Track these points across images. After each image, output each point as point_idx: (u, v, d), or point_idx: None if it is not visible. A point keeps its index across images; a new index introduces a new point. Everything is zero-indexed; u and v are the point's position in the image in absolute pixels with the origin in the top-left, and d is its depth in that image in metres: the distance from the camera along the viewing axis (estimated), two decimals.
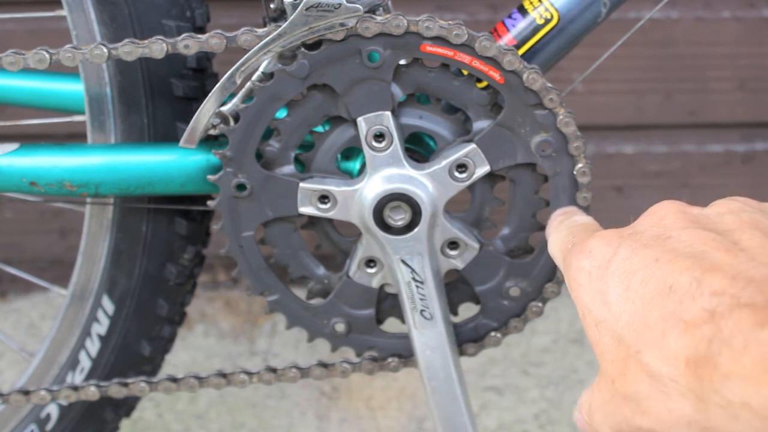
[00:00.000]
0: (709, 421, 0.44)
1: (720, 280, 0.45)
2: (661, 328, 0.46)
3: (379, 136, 0.82)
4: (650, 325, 0.47)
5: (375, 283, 0.89)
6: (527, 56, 0.83)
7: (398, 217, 0.84)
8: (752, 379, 0.42)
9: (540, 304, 0.89)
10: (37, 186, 0.86)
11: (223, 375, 0.92)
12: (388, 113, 0.82)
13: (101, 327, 0.97)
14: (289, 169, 0.85)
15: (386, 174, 0.83)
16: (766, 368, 0.42)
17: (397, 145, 0.82)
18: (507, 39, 0.83)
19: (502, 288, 0.89)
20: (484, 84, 0.82)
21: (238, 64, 0.80)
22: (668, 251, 0.49)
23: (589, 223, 0.69)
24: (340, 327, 0.90)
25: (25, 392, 0.94)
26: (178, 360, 1.48)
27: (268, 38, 0.79)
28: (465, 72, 0.82)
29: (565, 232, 0.65)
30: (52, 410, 1.01)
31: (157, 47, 0.81)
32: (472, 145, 0.83)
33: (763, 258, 0.47)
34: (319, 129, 0.85)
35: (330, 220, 0.88)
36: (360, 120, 0.82)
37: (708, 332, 0.44)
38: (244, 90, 0.83)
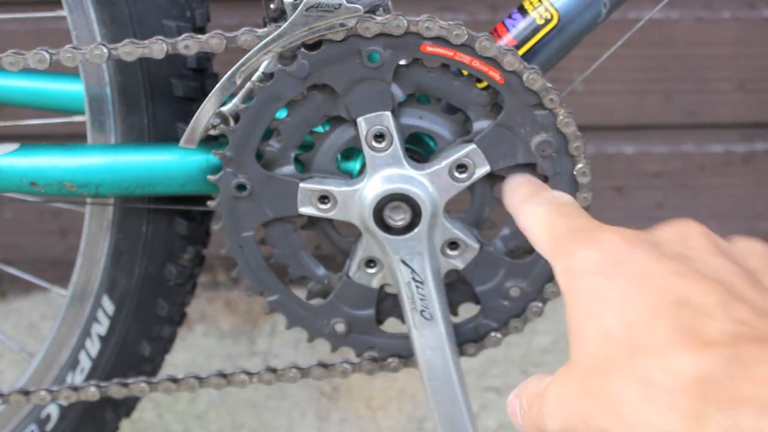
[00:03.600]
0: None
1: (746, 311, 0.44)
2: (668, 338, 0.45)
3: (379, 137, 0.82)
4: (655, 333, 0.45)
5: (375, 284, 0.89)
6: (527, 56, 0.83)
7: (398, 218, 0.84)
8: None
9: (540, 305, 0.89)
10: (37, 186, 0.86)
11: (223, 375, 0.92)
12: (388, 113, 0.82)
13: (101, 327, 0.97)
14: (289, 169, 0.85)
15: (386, 174, 0.83)
16: None
17: (397, 145, 0.82)
18: (507, 39, 0.83)
19: (502, 288, 0.89)
20: (484, 84, 0.82)
21: (238, 64, 0.80)
22: (692, 270, 0.48)
23: (573, 203, 0.66)
24: (340, 327, 0.90)
25: (25, 392, 0.94)
26: (178, 360, 1.48)
27: (268, 38, 0.79)
28: (465, 72, 0.82)
29: (551, 208, 0.62)
30: (53, 410, 1.01)
31: (157, 47, 0.81)
32: (472, 146, 0.83)
33: None
34: (319, 129, 0.85)
35: (330, 221, 0.88)
36: (360, 120, 0.82)
37: (727, 354, 0.43)
38: (244, 90, 0.83)
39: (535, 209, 0.64)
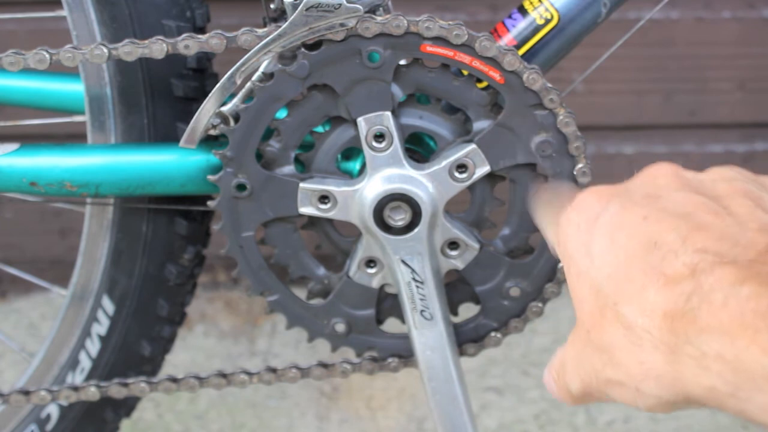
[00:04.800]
0: (680, 372, 0.45)
1: (705, 239, 0.46)
2: (641, 281, 0.47)
3: (380, 137, 0.82)
4: (631, 278, 0.48)
5: (375, 284, 0.89)
6: (527, 56, 0.83)
7: (398, 218, 0.84)
8: (728, 333, 0.43)
9: (540, 305, 0.89)
10: (38, 186, 0.86)
11: (223, 375, 0.92)
12: (389, 113, 0.82)
13: (101, 327, 0.97)
14: (289, 169, 0.85)
15: (386, 174, 0.83)
16: (743, 323, 0.42)
17: (397, 145, 0.82)
18: (507, 39, 0.83)
19: (502, 288, 0.89)
20: (484, 84, 0.82)
21: (238, 64, 0.80)
22: (658, 210, 0.50)
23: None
24: (340, 327, 0.90)
25: (26, 392, 0.94)
26: (178, 360, 1.48)
27: (268, 38, 0.79)
28: (465, 72, 0.82)
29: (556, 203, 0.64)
30: (53, 410, 1.01)
31: (157, 47, 0.81)
32: (472, 146, 0.83)
33: (750, 225, 0.47)
34: (319, 129, 0.85)
35: (330, 221, 0.88)
36: (360, 120, 0.82)
37: (688, 287, 0.45)
38: (244, 90, 0.83)
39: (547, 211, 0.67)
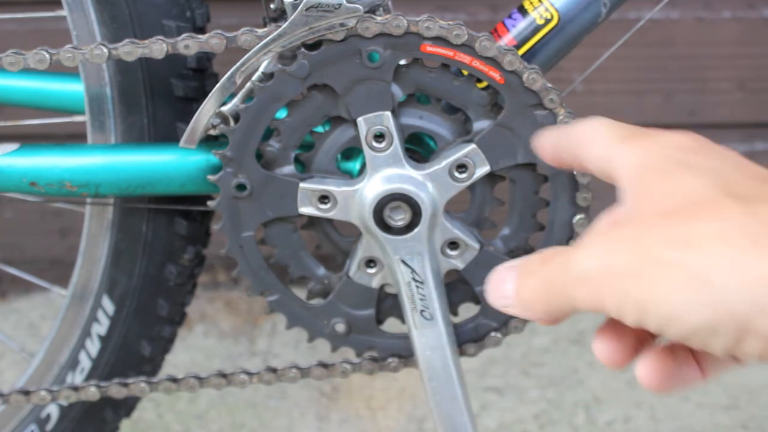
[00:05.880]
0: None
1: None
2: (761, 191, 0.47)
3: (379, 137, 0.82)
4: (749, 186, 0.48)
5: (375, 284, 0.89)
6: (527, 56, 0.83)
7: (398, 218, 0.84)
8: None
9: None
10: (37, 186, 0.86)
11: (223, 375, 0.92)
12: (388, 113, 0.82)
13: (101, 327, 0.97)
14: (289, 169, 0.85)
15: (386, 174, 0.83)
16: None
17: (397, 145, 0.82)
18: (507, 39, 0.83)
19: None
20: (484, 84, 0.82)
21: (238, 64, 0.80)
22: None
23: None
24: (340, 327, 0.90)
25: (26, 392, 0.94)
26: (178, 360, 1.48)
27: (268, 38, 0.79)
28: (465, 72, 0.82)
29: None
30: (53, 410, 1.01)
31: (157, 47, 0.81)
32: (472, 146, 0.83)
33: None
34: (319, 129, 0.85)
35: (330, 221, 0.88)
36: (360, 120, 0.82)
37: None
38: (244, 90, 0.83)
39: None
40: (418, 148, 0.86)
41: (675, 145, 0.52)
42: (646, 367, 0.51)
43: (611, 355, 0.53)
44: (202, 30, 0.89)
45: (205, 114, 0.82)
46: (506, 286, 0.53)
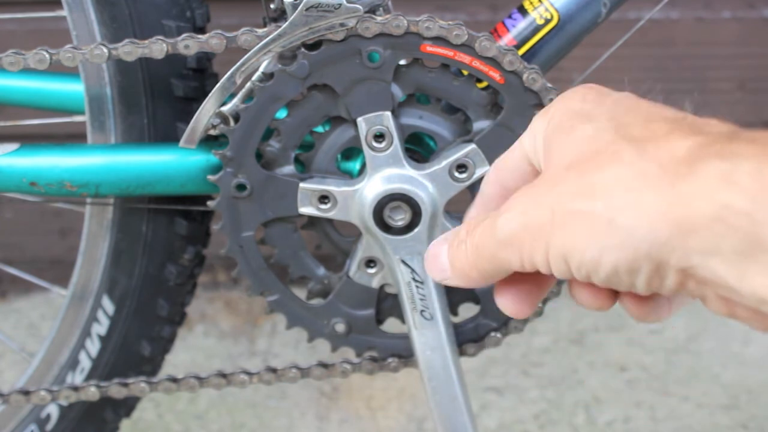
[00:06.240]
0: (686, 195, 0.45)
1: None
2: (667, 129, 0.49)
3: (379, 137, 0.82)
4: (652, 128, 0.50)
5: (375, 284, 0.89)
6: (527, 56, 0.83)
7: (398, 218, 0.84)
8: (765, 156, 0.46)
9: (540, 305, 0.89)
10: (37, 186, 0.86)
11: (223, 375, 0.92)
12: (388, 113, 0.82)
13: (101, 327, 0.97)
14: (289, 169, 0.85)
15: (386, 174, 0.83)
16: None
17: (397, 145, 0.82)
18: (507, 39, 0.83)
19: None
20: (484, 84, 0.82)
21: (238, 64, 0.80)
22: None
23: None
24: (340, 327, 0.90)
25: (25, 392, 0.94)
26: (178, 360, 1.48)
27: (268, 38, 0.79)
28: (465, 72, 0.82)
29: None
30: (53, 410, 1.01)
31: (157, 47, 0.81)
32: (472, 146, 0.83)
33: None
34: (319, 129, 0.85)
35: (330, 221, 0.88)
36: (360, 120, 0.82)
37: (705, 140, 0.50)
38: (244, 90, 0.83)
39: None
40: (418, 148, 0.86)
41: (577, 98, 0.54)
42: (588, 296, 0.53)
43: (516, 306, 0.55)
44: (202, 30, 0.89)
45: (205, 114, 0.82)
46: (441, 260, 0.56)
